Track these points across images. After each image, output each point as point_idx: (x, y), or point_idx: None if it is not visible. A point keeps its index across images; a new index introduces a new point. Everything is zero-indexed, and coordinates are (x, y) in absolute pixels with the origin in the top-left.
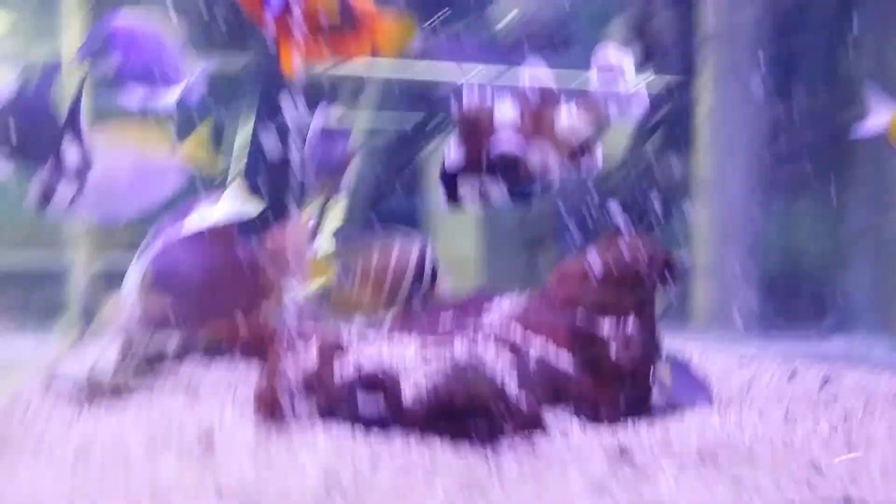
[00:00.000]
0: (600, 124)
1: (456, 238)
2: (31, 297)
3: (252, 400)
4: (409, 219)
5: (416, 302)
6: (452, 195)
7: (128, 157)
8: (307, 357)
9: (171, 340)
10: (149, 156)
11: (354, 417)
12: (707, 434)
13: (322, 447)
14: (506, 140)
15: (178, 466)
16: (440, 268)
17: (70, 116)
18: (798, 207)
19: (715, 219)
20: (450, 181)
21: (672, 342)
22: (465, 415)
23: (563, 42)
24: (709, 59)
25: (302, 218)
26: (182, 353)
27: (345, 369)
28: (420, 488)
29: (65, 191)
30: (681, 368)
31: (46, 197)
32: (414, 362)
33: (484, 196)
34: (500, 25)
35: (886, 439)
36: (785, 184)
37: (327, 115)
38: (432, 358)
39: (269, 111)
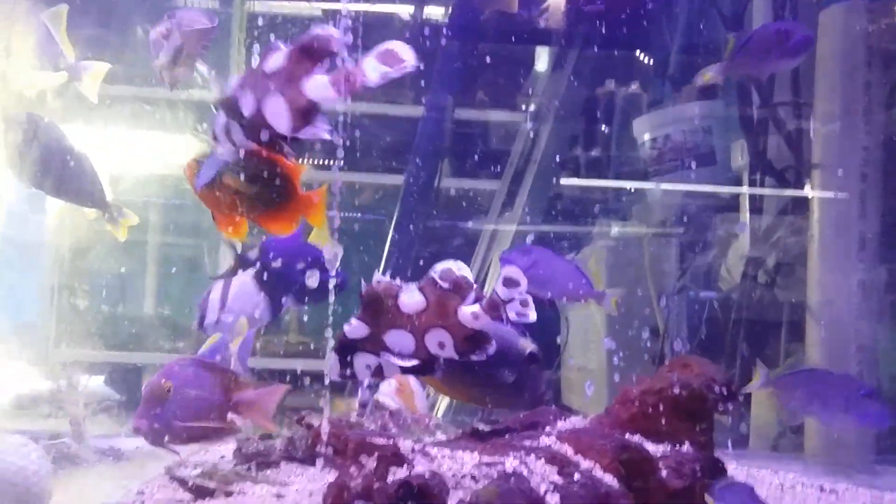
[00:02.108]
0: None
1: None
2: None
3: None
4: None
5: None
6: (344, 366)
7: None
8: (367, 467)
9: (276, 445)
10: None
11: None
12: None
13: None
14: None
15: None
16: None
17: None
18: None
19: (826, 343)
20: (345, 352)
21: (758, 469)
22: None
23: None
24: (817, 184)
25: None
26: (285, 457)
27: (398, 480)
28: None
29: None
30: (743, 494)
31: None
32: (465, 475)
33: (377, 374)
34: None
35: None
36: None
37: None
38: (483, 472)
39: None
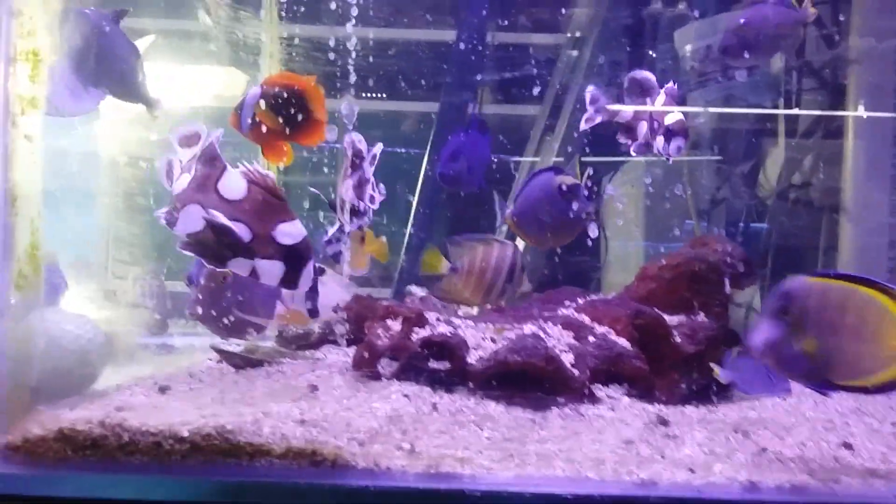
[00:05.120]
0: None
1: None
2: None
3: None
4: None
5: (505, 296)
6: None
7: None
8: (394, 329)
9: (315, 329)
10: None
11: (427, 377)
12: (750, 414)
13: (394, 397)
14: None
15: (283, 404)
16: (523, 269)
17: None
18: None
19: (860, 240)
20: None
21: None
22: (521, 380)
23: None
24: (855, 83)
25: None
26: (322, 339)
27: (421, 337)
28: (468, 432)
29: None
30: (753, 365)
31: None
32: (485, 338)
33: None
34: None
35: None
36: None
37: None
38: (503, 336)
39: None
